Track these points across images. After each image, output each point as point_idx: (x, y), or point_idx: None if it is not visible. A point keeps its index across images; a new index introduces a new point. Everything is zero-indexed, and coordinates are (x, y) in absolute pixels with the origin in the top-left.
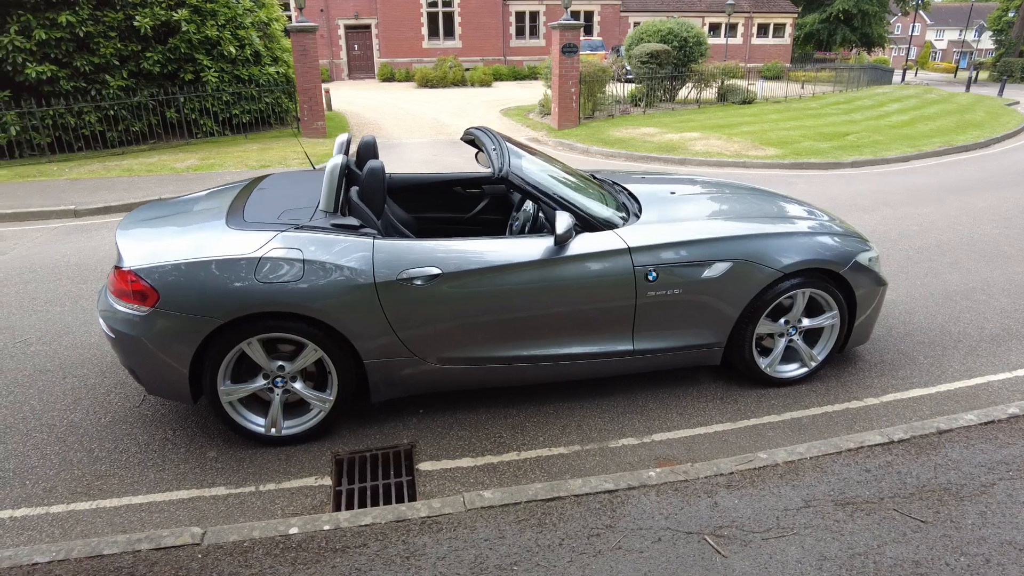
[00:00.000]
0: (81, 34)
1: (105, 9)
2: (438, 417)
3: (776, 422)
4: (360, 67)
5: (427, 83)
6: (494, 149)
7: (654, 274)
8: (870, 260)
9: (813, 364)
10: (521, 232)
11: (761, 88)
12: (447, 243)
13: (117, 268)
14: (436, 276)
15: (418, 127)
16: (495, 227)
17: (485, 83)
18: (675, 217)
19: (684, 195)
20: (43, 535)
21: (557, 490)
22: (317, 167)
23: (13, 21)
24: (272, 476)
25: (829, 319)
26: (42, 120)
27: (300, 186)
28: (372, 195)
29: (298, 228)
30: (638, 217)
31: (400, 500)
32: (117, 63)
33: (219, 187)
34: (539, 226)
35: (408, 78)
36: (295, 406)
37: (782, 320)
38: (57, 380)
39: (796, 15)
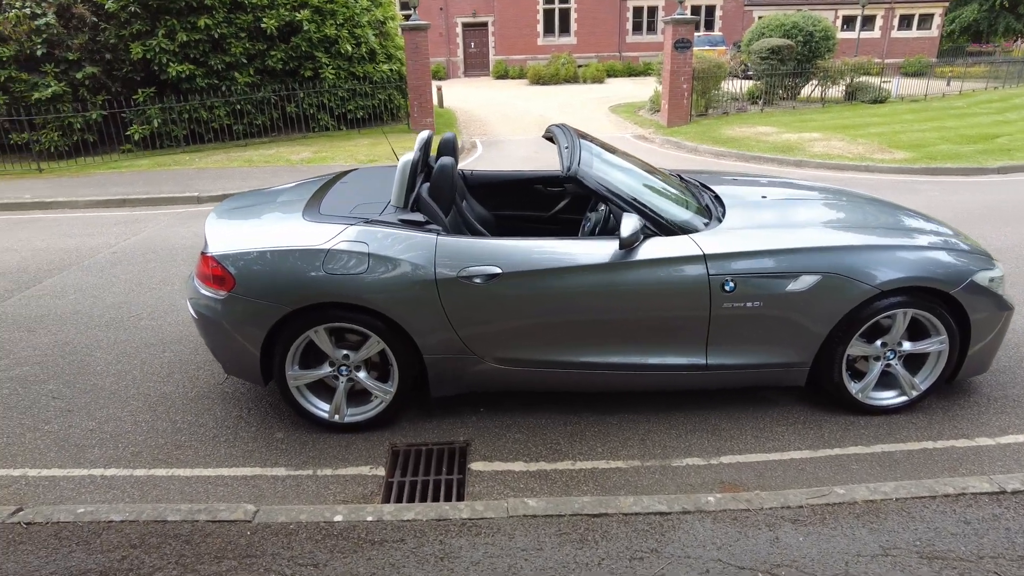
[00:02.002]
0: (216, 35)
1: (237, 12)
2: (496, 417)
3: (863, 454)
4: (475, 64)
5: (539, 80)
6: (566, 147)
7: (731, 284)
8: (991, 281)
9: (914, 393)
10: (593, 233)
11: (897, 86)
12: (510, 242)
13: (202, 253)
14: (496, 275)
15: (523, 124)
16: (574, 227)
17: (598, 79)
18: (761, 223)
19: (776, 200)
20: (124, 495)
21: (605, 506)
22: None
23: (161, 25)
24: (330, 461)
25: (936, 344)
26: (179, 114)
27: (381, 181)
28: (441, 192)
29: (367, 222)
30: (720, 222)
31: (448, 498)
32: (245, 61)
33: (307, 180)
34: (611, 228)
35: (521, 75)
36: (358, 395)
37: (879, 342)
38: (157, 353)
39: (946, 4)
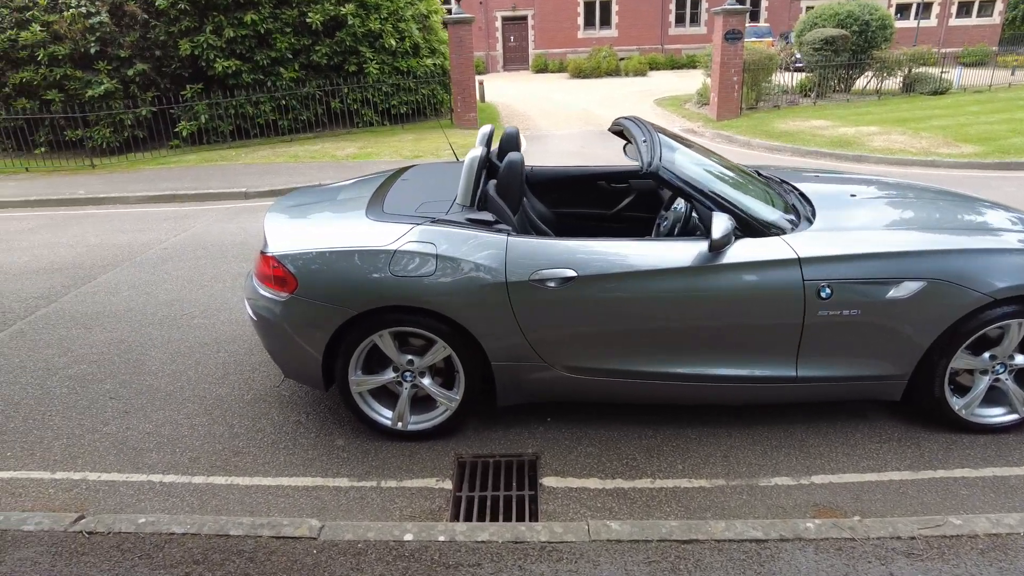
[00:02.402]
0: (262, 31)
1: (283, 7)
2: (566, 429)
3: (972, 478)
4: (515, 58)
5: (580, 73)
6: (644, 141)
7: (828, 290)
8: None
9: None
10: (670, 234)
11: (958, 76)
12: (585, 243)
13: (262, 253)
14: (571, 279)
15: (566, 118)
16: (641, 226)
17: (640, 72)
18: (856, 224)
19: (867, 198)
20: (184, 504)
21: (696, 531)
22: (461, 159)
23: (209, 22)
24: (394, 472)
25: None
26: (226, 110)
27: (442, 178)
28: (509, 190)
29: (434, 222)
30: (810, 222)
31: (520, 516)
32: (290, 56)
33: (365, 176)
34: (691, 228)
35: (561, 69)
36: (422, 402)
37: (986, 354)
38: (212, 353)
39: None
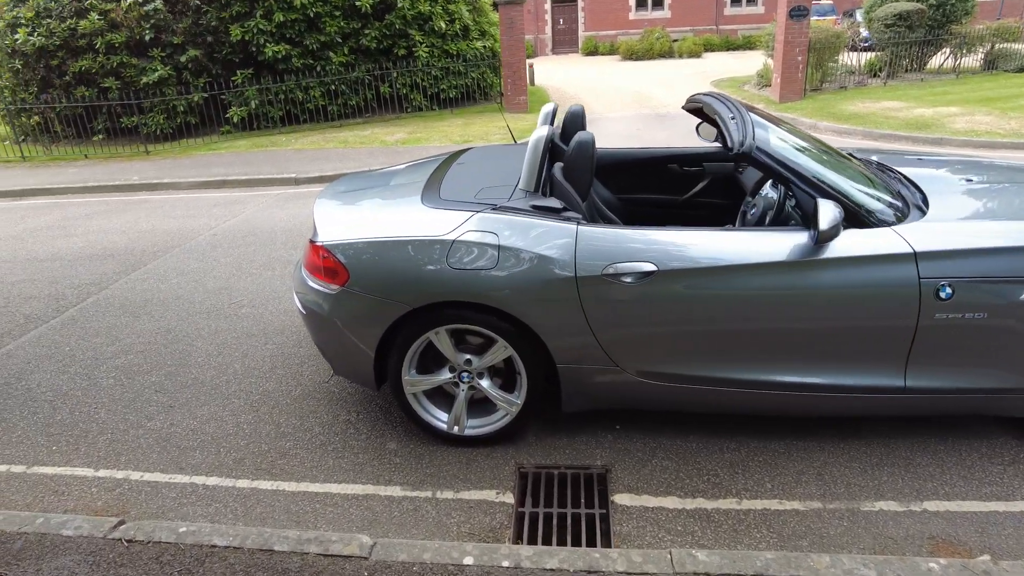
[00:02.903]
0: (311, 15)
1: None
2: (638, 438)
3: None
4: (564, 41)
5: (632, 55)
6: (732, 118)
7: (948, 290)
8: None
9: None
10: (760, 223)
11: None
12: (665, 233)
13: (311, 242)
14: (650, 274)
15: (620, 100)
16: (715, 213)
17: (694, 54)
18: (975, 213)
19: (985, 183)
20: (227, 510)
21: (796, 566)
22: (519, 141)
23: (259, 6)
24: (450, 482)
25: None
26: (276, 95)
27: (501, 161)
28: (578, 173)
29: (495, 209)
30: (923, 212)
31: (590, 538)
32: (339, 40)
33: (419, 160)
34: (784, 217)
35: (612, 51)
36: (480, 404)
37: None
38: (259, 345)
39: None
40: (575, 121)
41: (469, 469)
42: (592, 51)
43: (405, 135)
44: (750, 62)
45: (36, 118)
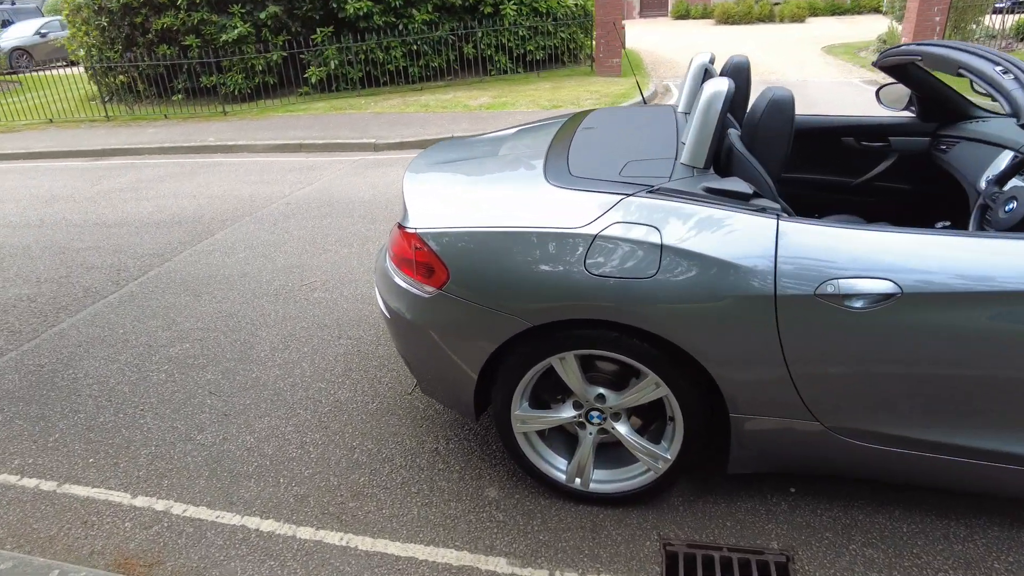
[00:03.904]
0: None
1: None
2: (824, 509)
3: None
4: (652, 4)
5: (727, 19)
6: (1003, 71)
7: None
8: None
9: None
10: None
11: None
12: (911, 237)
13: (400, 227)
14: (889, 296)
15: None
16: (903, 203)
17: (797, 18)
18: None
19: None
20: (283, 569)
21: None
22: (650, 103)
23: None
24: (573, 557)
25: None
26: (356, 55)
27: (639, 126)
28: (772, 144)
29: (652, 192)
30: None
31: None
32: None
33: (528, 124)
34: None
35: (705, 15)
36: (610, 449)
37: None
38: (332, 340)
39: None
40: (740, 76)
41: (596, 539)
42: (683, 15)
43: (489, 99)
44: (860, 27)
45: (121, 77)
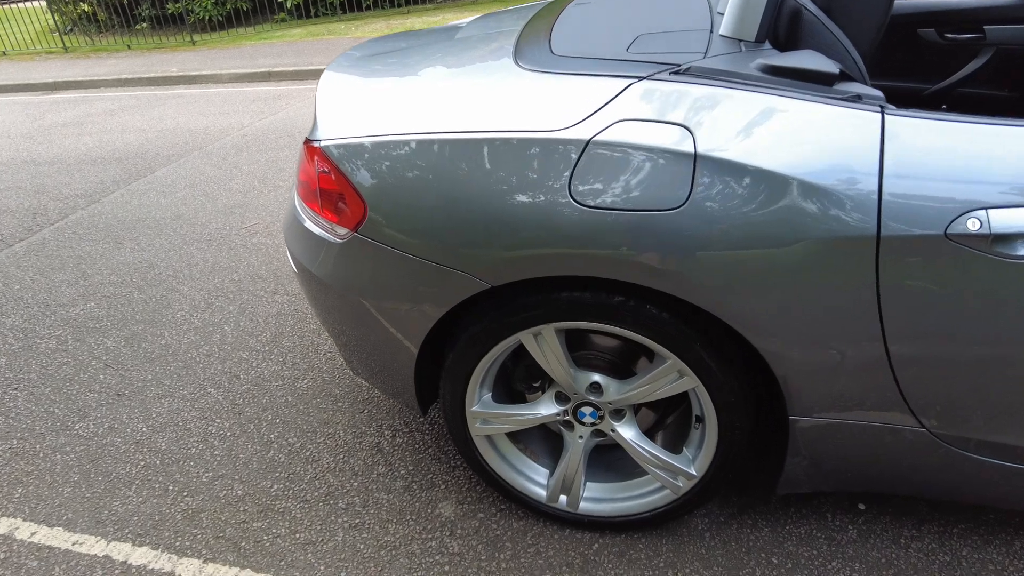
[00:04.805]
0: None
1: None
2: (911, 536)
3: None
4: None
5: None
6: None
7: None
8: None
9: None
10: None
11: None
12: None
13: (307, 142)
14: None
15: None
16: (999, 115)
17: None
18: None
19: None
20: None
21: None
22: None
23: None
24: None
25: None
26: None
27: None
28: (861, 5)
29: (680, 73)
30: None
31: None
32: None
33: (505, 9)
34: None
35: None
36: (609, 453)
37: None
38: (266, 295)
39: None
40: None
41: (586, 574)
42: None
43: None
44: None
45: (83, 5)
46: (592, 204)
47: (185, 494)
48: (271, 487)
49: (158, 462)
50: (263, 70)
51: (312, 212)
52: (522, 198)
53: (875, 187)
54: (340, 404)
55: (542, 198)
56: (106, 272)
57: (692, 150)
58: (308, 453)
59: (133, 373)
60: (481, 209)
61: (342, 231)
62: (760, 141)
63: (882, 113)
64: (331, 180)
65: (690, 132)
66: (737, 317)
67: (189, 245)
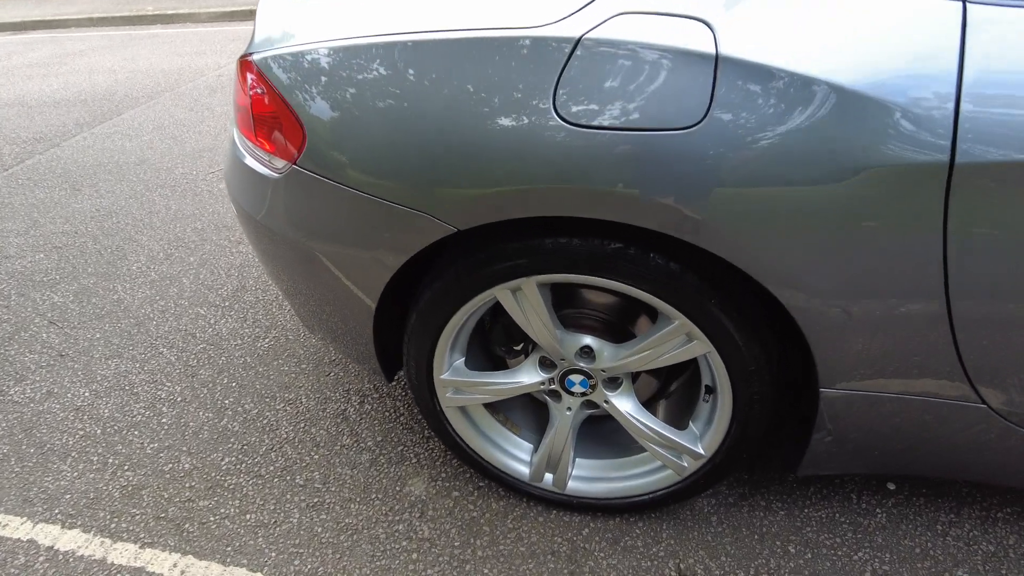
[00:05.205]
0: None
1: None
2: (949, 521)
3: None
4: None
5: None
6: None
7: None
8: None
9: None
10: None
11: None
12: None
13: (242, 58)
14: None
15: None
16: None
17: None
18: None
19: None
20: None
21: None
22: None
23: None
24: None
25: None
26: None
27: None
28: None
29: None
30: None
31: None
32: None
33: None
34: None
35: None
36: (601, 425)
37: None
38: (229, 246)
39: None
40: None
41: (576, 572)
42: None
43: None
44: None
45: None
46: (582, 123)
47: (126, 468)
48: (222, 460)
49: (99, 431)
50: (245, 8)
51: (249, 143)
52: (493, 116)
53: (951, 98)
54: (304, 366)
55: (518, 115)
56: (60, 221)
57: (712, 51)
58: (265, 421)
59: (79, 331)
60: (441, 131)
61: (280, 164)
62: (798, 39)
63: (963, 0)
64: (264, 101)
65: (710, 27)
66: (764, 267)
67: (152, 191)
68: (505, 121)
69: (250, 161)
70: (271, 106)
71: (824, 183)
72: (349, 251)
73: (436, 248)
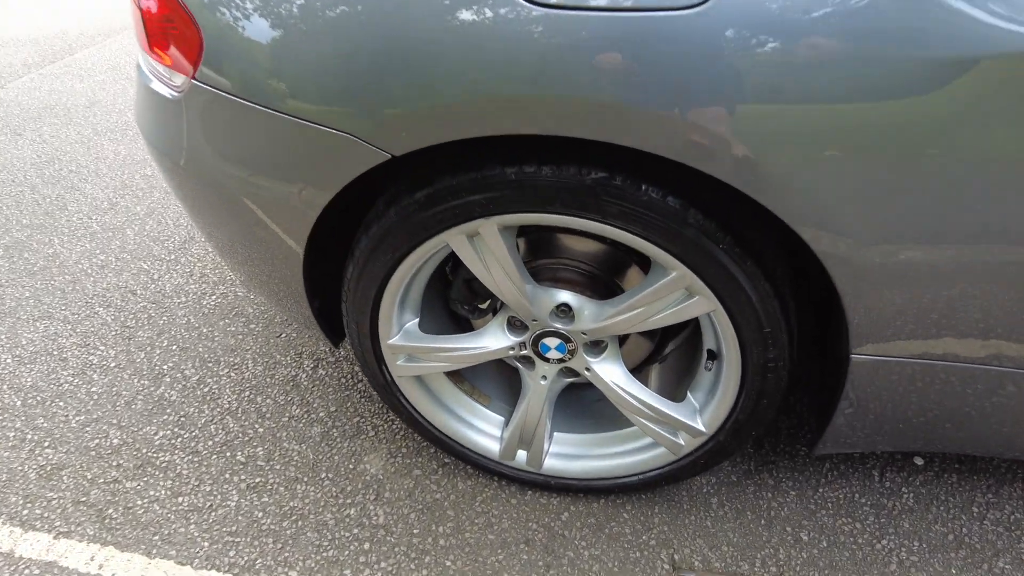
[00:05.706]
0: None
1: None
2: (988, 502)
3: None
4: None
5: None
6: None
7: None
8: None
9: None
10: None
11: None
12: None
13: None
14: None
15: None
16: None
17: None
18: None
19: None
20: None
21: None
22: None
23: None
24: None
25: None
26: None
27: None
28: None
29: None
30: None
31: None
32: None
33: None
34: None
35: None
36: (582, 393)
37: None
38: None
39: None
40: None
41: (552, 564)
42: None
43: None
44: None
45: None
46: (552, 3)
47: (46, 444)
48: (155, 434)
49: (18, 403)
50: None
51: (151, 61)
52: (435, 6)
53: None
54: (252, 326)
55: (465, 5)
56: None
57: None
58: (206, 389)
59: (7, 290)
60: (363, 23)
61: (179, 79)
62: None
63: None
64: (155, 5)
65: None
66: (793, 203)
67: (101, 136)
68: (452, 16)
69: (155, 84)
70: (164, 7)
71: (868, 86)
72: (267, 184)
73: (375, 184)
